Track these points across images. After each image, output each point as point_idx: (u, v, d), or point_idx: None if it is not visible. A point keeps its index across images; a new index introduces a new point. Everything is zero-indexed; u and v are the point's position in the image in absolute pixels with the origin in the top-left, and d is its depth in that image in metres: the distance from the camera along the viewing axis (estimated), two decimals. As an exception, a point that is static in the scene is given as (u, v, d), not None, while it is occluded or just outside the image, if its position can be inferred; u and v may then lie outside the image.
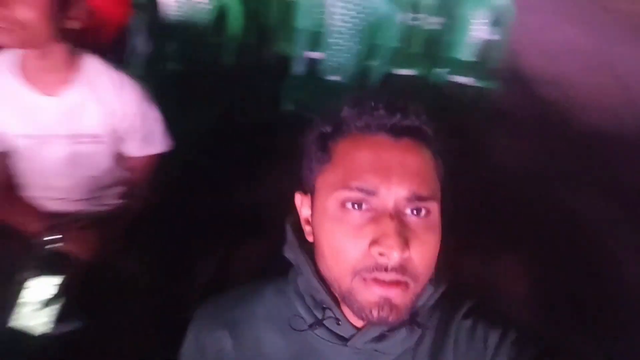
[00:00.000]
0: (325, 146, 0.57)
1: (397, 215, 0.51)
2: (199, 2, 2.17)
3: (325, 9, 2.20)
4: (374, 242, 0.50)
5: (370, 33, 2.20)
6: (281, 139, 1.39)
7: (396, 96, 0.57)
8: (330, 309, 0.57)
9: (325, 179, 0.56)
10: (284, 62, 2.36)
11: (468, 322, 0.60)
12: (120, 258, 1.12)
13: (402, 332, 0.57)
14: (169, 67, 2.14)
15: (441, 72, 2.55)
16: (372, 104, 0.55)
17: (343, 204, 0.53)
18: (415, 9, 2.65)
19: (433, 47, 2.66)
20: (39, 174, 1.12)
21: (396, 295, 0.51)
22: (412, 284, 0.52)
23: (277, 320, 0.62)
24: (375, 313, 0.51)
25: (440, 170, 0.58)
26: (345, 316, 0.58)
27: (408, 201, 0.52)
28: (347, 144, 0.55)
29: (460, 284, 0.63)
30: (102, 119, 1.08)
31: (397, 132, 0.54)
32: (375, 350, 0.58)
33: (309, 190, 0.59)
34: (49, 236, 1.05)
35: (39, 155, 1.09)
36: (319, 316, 0.59)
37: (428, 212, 0.53)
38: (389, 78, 2.38)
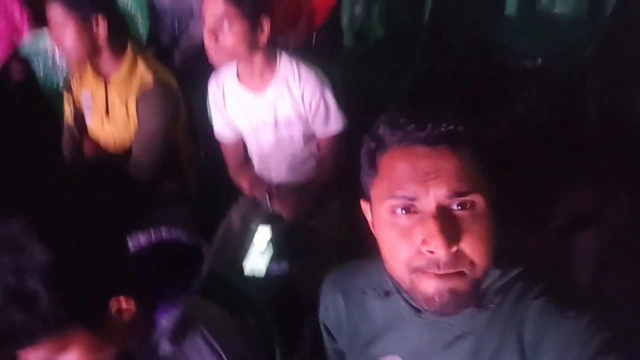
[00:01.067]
0: (372, 161, 0.64)
1: (441, 215, 0.56)
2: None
3: None
4: (423, 242, 0.57)
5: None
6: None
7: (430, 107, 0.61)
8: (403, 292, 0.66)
9: (375, 190, 0.64)
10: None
11: (539, 303, 0.60)
12: (312, 218, 1.41)
13: (469, 311, 0.62)
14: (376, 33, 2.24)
15: None
16: (405, 119, 0.60)
17: (393, 211, 0.60)
18: None
19: None
20: (259, 154, 1.47)
21: (453, 284, 0.57)
22: (468, 272, 0.58)
23: (377, 289, 0.74)
24: (437, 302, 0.58)
25: (483, 160, 0.60)
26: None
27: (449, 199, 0.57)
28: (389, 158, 0.62)
29: (536, 265, 0.64)
30: (292, 108, 1.33)
31: (432, 141, 0.59)
32: (446, 324, 0.65)
33: (368, 199, 0.67)
34: (267, 199, 1.41)
35: (257, 140, 1.43)
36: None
37: (473, 204, 0.57)
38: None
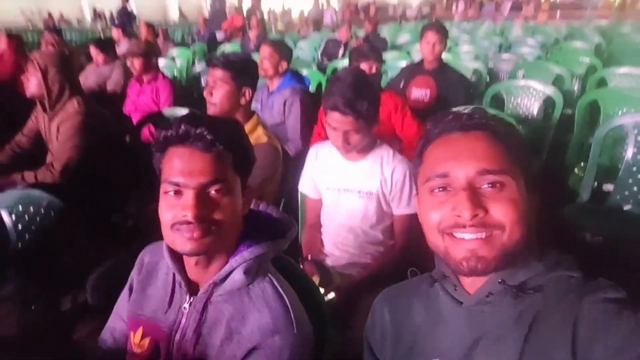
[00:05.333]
0: (420, 154, 0.73)
1: (470, 188, 0.63)
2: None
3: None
4: (452, 209, 0.64)
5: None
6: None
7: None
8: (449, 276, 0.72)
9: (420, 177, 0.72)
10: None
11: (595, 300, 0.59)
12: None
13: (505, 300, 0.64)
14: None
15: None
16: (445, 114, 0.70)
17: (431, 191, 0.68)
18: None
19: None
20: (334, 219, 1.56)
21: (479, 247, 0.62)
22: (498, 234, 0.62)
23: (422, 296, 0.78)
24: (465, 264, 0.63)
25: (516, 154, 0.66)
26: (461, 285, 0.70)
27: (480, 175, 0.63)
28: (431, 147, 0.70)
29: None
30: (379, 182, 1.46)
31: (466, 127, 0.67)
32: (483, 312, 0.66)
33: (416, 190, 0.75)
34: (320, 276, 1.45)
35: (337, 204, 1.54)
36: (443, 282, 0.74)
37: (502, 185, 0.63)
38: None
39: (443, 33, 2.69)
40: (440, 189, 0.66)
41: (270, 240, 0.84)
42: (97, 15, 13.84)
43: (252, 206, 0.91)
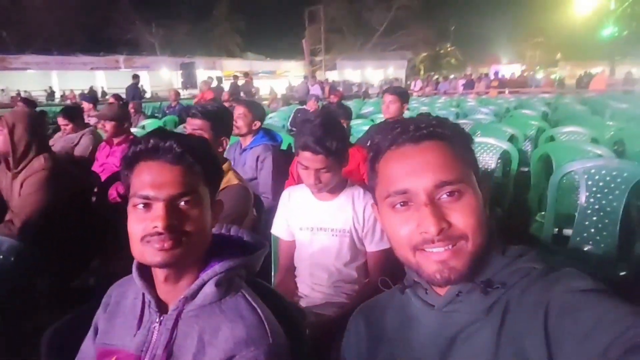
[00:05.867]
0: (373, 167, 0.74)
1: (431, 202, 0.65)
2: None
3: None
4: (418, 225, 0.66)
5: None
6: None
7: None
8: (419, 282, 0.73)
9: (378, 192, 0.73)
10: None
11: (561, 288, 0.61)
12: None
13: (474, 296, 0.66)
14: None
15: None
16: (393, 125, 0.72)
17: (392, 207, 0.69)
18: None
19: None
20: (307, 260, 1.55)
21: (449, 258, 0.65)
22: (463, 244, 0.64)
23: (395, 305, 0.79)
24: (438, 276, 0.65)
25: (466, 157, 0.69)
26: (432, 288, 0.71)
27: (438, 187, 0.66)
28: (384, 161, 0.71)
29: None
30: (352, 219, 1.49)
31: (416, 139, 0.68)
32: (455, 312, 0.68)
33: (375, 202, 0.76)
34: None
35: (311, 243, 1.54)
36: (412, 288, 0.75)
37: (460, 192, 0.66)
38: None
39: (400, 95, 2.98)
40: (402, 204, 0.68)
41: (241, 256, 0.84)
42: (66, 96, 14.07)
43: (222, 230, 0.91)
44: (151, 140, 0.77)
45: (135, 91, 8.75)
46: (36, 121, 2.11)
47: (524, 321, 0.61)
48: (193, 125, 1.69)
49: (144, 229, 0.75)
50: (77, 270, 2.12)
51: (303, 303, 1.51)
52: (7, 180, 2.08)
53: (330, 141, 1.40)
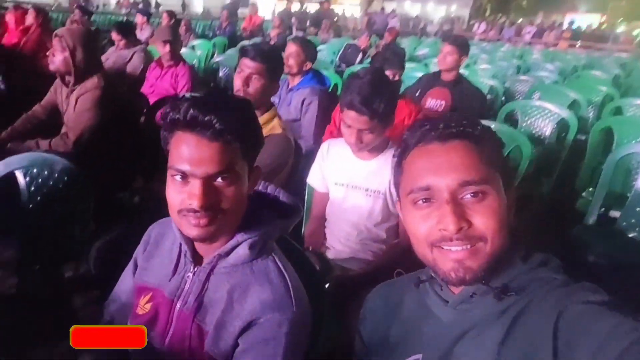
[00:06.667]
0: (399, 164, 0.74)
1: (453, 200, 0.64)
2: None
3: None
4: (438, 222, 0.65)
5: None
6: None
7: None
8: (435, 277, 0.73)
9: (402, 188, 0.73)
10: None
11: (576, 299, 0.60)
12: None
13: (488, 299, 0.66)
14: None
15: None
16: (422, 123, 0.71)
17: (415, 203, 0.69)
18: None
19: None
20: (340, 214, 1.57)
21: (465, 257, 0.64)
22: (482, 246, 0.64)
23: (413, 292, 0.80)
24: (453, 274, 0.65)
25: (494, 159, 0.67)
26: (447, 285, 0.72)
27: (461, 187, 0.65)
28: (410, 158, 0.71)
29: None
30: (387, 183, 1.47)
31: (443, 138, 0.67)
32: (468, 310, 0.69)
33: (399, 199, 0.75)
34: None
35: (344, 200, 1.55)
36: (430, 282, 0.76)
37: (484, 194, 0.64)
38: None
39: (459, 46, 2.74)
40: (424, 201, 0.68)
41: (277, 220, 0.86)
42: (120, 4, 14.03)
43: (260, 187, 0.92)
44: (190, 111, 0.73)
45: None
46: (94, 43, 2.17)
47: (534, 326, 0.61)
48: (250, 68, 1.63)
49: (181, 203, 0.75)
50: (121, 189, 2.25)
51: (330, 254, 1.55)
52: (62, 96, 2.17)
53: (378, 103, 1.35)
